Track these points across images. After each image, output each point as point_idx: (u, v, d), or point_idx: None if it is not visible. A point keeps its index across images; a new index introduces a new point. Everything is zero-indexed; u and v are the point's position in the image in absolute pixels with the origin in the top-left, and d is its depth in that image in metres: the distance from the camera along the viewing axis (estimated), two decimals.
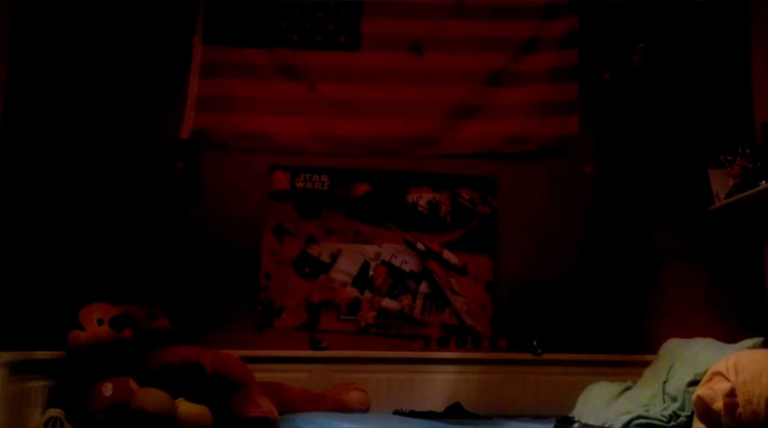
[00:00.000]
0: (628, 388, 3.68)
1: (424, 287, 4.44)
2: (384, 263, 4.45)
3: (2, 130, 3.47)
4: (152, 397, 3.34)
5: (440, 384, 4.26)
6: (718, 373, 2.77)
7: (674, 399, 3.28)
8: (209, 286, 4.29)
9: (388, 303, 4.42)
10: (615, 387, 3.71)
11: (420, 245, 4.48)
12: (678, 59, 4.54)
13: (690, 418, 3.13)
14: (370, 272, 4.44)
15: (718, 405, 2.69)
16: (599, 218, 4.47)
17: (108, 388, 3.39)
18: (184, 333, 3.84)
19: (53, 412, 3.34)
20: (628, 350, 4.26)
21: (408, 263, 4.46)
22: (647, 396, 3.43)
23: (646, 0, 4.56)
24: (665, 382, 3.43)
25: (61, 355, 3.51)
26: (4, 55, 3.55)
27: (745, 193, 3.80)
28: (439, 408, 4.12)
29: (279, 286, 4.38)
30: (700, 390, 2.82)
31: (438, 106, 4.55)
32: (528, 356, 4.31)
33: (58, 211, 3.96)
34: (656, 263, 4.38)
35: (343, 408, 3.83)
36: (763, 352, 3.02)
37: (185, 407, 3.41)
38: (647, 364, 3.88)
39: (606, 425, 3.34)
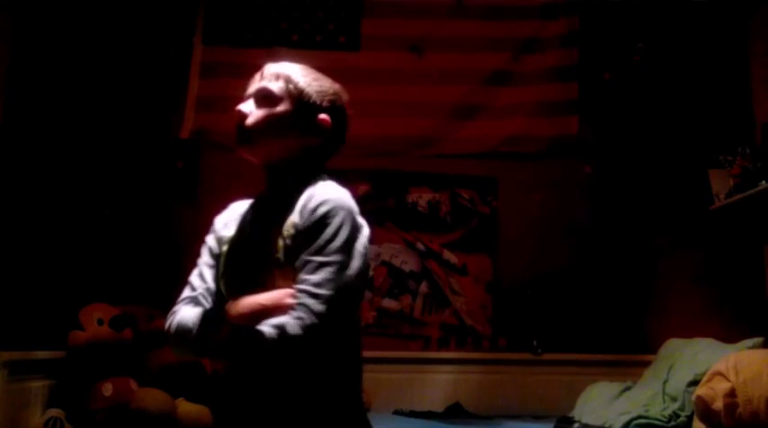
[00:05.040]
0: (628, 388, 3.68)
1: (423, 287, 4.44)
2: (384, 263, 4.44)
3: (2, 130, 3.48)
4: (152, 397, 3.35)
5: (440, 384, 4.26)
6: (718, 373, 2.77)
7: (674, 399, 3.28)
8: None
9: (387, 303, 4.41)
10: (615, 387, 3.71)
11: (420, 245, 4.47)
12: (678, 59, 4.54)
13: (690, 418, 3.13)
14: (370, 273, 4.42)
15: (718, 405, 2.68)
16: (599, 218, 4.47)
17: (108, 388, 3.39)
18: None
19: (53, 412, 3.34)
20: (628, 350, 4.25)
21: (408, 262, 4.46)
22: (646, 396, 3.43)
23: (646, 0, 4.56)
24: (665, 382, 3.42)
25: (61, 355, 3.51)
26: (4, 54, 3.55)
27: (745, 193, 3.79)
28: (439, 408, 4.12)
29: None
30: (700, 390, 2.82)
31: (438, 106, 4.54)
32: (528, 356, 4.30)
33: (58, 211, 3.96)
34: (655, 263, 4.38)
35: None
36: (763, 352, 3.02)
37: (185, 407, 3.41)
38: (647, 364, 3.88)
39: (606, 425, 3.33)
